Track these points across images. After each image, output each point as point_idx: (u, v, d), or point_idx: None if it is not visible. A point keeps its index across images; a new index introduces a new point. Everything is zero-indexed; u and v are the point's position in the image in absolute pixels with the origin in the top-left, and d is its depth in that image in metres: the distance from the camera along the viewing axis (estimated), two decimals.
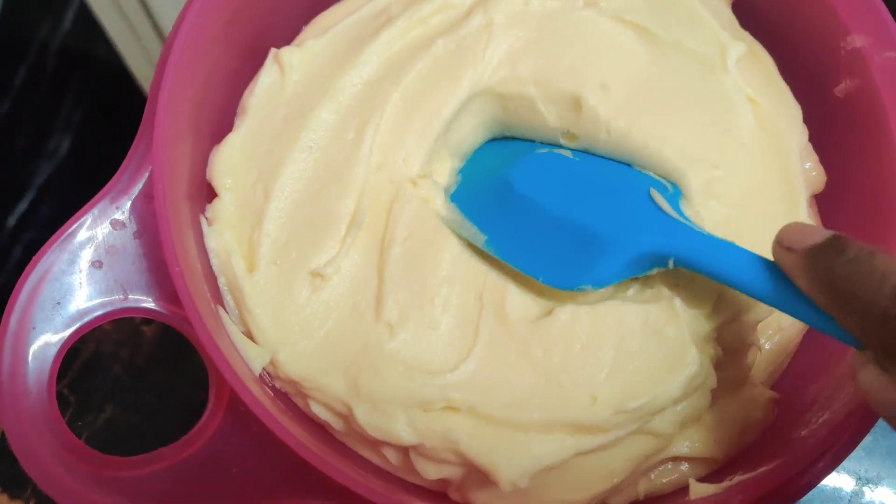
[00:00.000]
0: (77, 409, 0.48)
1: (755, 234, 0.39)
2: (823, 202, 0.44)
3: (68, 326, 0.34)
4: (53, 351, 0.34)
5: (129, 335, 0.49)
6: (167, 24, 0.83)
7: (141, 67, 0.92)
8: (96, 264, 0.35)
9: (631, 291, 0.38)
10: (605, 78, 0.40)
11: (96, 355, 0.49)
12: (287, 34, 0.45)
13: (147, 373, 0.49)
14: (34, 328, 0.34)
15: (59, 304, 0.34)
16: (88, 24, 0.93)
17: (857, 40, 0.40)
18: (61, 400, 0.48)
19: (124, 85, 0.95)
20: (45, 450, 0.33)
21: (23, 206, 1.09)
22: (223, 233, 0.38)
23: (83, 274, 0.35)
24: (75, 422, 0.48)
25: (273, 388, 0.38)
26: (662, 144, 0.39)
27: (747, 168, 0.40)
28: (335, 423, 0.37)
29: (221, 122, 0.41)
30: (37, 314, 0.34)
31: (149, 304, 0.35)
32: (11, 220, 1.08)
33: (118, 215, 0.36)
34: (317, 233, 0.39)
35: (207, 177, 0.40)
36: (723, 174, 0.39)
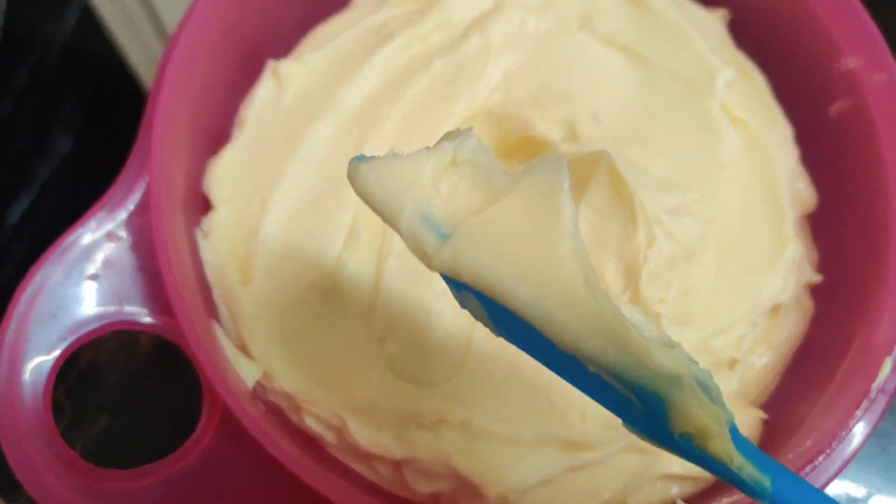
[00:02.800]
0: (73, 417, 0.48)
1: (737, 248, 0.40)
2: (817, 221, 0.44)
3: (64, 339, 0.34)
4: (49, 363, 0.34)
5: (126, 344, 0.49)
6: (171, 25, 0.83)
7: (144, 68, 0.92)
8: (92, 276, 0.35)
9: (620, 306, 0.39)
10: (595, 106, 0.41)
11: (93, 364, 0.49)
12: (285, 44, 0.45)
13: (142, 382, 0.50)
14: (30, 340, 0.34)
15: (55, 316, 0.34)
16: (91, 24, 0.93)
17: (851, 62, 0.41)
18: (57, 408, 0.48)
19: (127, 85, 0.95)
20: (40, 460, 0.33)
21: (23, 204, 1.09)
22: (219, 245, 0.39)
23: (79, 286, 0.35)
24: (71, 430, 0.48)
25: (266, 401, 0.38)
26: (642, 174, 0.39)
27: (725, 189, 0.41)
28: (328, 437, 0.38)
29: (218, 134, 0.42)
30: (33, 326, 0.34)
31: (144, 316, 0.36)
32: (13, 219, 1.08)
33: (114, 227, 0.36)
34: (313, 245, 0.39)
35: (204, 188, 0.40)
36: (697, 196, 0.40)
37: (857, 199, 0.42)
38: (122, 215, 0.36)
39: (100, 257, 0.36)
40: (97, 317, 0.35)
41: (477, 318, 0.26)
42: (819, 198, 0.43)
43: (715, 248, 0.39)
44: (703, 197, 0.40)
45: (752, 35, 0.45)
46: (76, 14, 1.10)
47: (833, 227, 0.43)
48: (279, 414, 0.38)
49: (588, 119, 0.41)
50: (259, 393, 0.38)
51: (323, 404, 0.37)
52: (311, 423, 0.37)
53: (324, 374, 0.37)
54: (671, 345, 0.25)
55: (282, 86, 0.42)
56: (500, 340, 0.37)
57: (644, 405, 0.23)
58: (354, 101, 0.41)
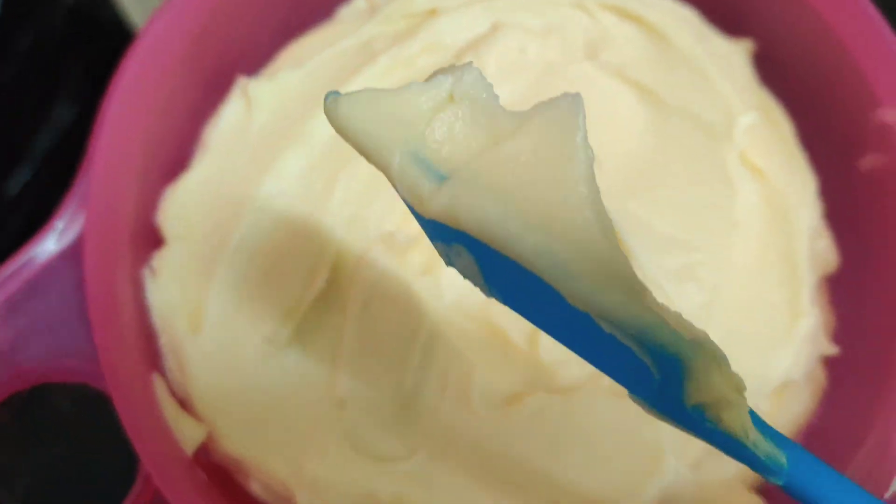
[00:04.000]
0: (21, 444, 0.45)
1: (744, 320, 0.36)
2: (837, 284, 0.39)
3: None
4: None
5: None
6: None
7: None
8: (23, 321, 0.32)
9: (608, 381, 0.35)
10: (599, 150, 0.36)
11: (43, 384, 0.46)
12: (260, 58, 0.41)
13: (97, 406, 0.46)
14: None
15: None
16: None
17: (889, 115, 0.36)
18: (5, 432, 0.45)
19: None
20: None
21: (24, 176, 1.06)
22: (168, 287, 0.35)
23: (7, 333, 0.32)
24: (18, 458, 0.45)
25: (211, 463, 0.34)
26: (645, 231, 0.35)
27: (736, 250, 0.36)
28: None
29: (179, 158, 0.38)
30: None
31: (80, 369, 0.32)
32: (12, 191, 1.06)
33: (49, 264, 0.33)
34: (272, 293, 0.35)
35: (156, 221, 0.36)
36: (704, 257, 0.36)
37: (882, 266, 0.37)
38: (60, 248, 0.33)
39: (29, 300, 0.32)
40: (22, 369, 0.31)
41: (466, 276, 0.23)
42: (841, 258, 0.39)
43: (720, 320, 0.35)
44: (711, 259, 0.36)
45: (778, 71, 0.41)
46: None
47: (854, 294, 0.39)
48: (225, 477, 0.35)
49: None
50: (203, 454, 0.34)
51: (270, 472, 0.33)
52: (259, 491, 0.34)
53: (275, 440, 0.34)
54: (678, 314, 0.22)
55: (251, 108, 0.38)
56: (471, 412, 0.33)
57: (661, 371, 0.21)
58: (329, 130, 0.37)
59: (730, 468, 0.35)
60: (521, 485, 0.32)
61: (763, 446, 0.22)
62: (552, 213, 0.19)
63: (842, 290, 0.39)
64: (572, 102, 0.20)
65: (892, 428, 0.33)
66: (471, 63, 0.22)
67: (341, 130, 0.22)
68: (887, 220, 0.37)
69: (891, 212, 0.37)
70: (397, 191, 0.22)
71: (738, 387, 0.21)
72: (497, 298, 0.23)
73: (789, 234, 0.37)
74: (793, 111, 0.40)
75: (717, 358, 0.20)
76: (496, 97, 0.22)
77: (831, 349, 0.38)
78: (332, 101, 0.22)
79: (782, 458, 0.22)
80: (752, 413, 0.22)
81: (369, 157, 0.22)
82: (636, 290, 0.20)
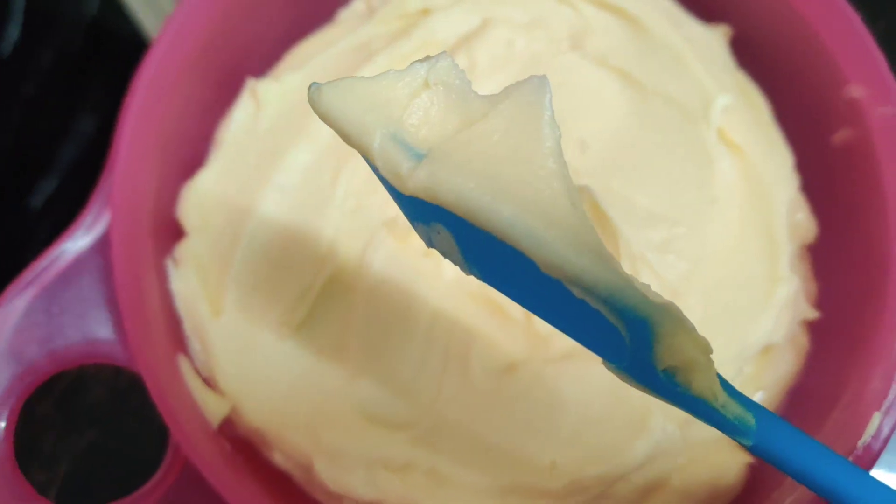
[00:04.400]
0: (61, 430, 0.48)
1: (726, 288, 0.38)
2: (817, 253, 0.42)
3: (24, 377, 0.34)
4: (8, 404, 0.33)
5: None
6: None
7: None
8: (59, 308, 0.35)
9: None
10: (584, 133, 0.39)
11: (80, 376, 0.49)
12: (268, 60, 0.43)
13: (131, 393, 0.49)
14: None
15: (20, 352, 0.34)
16: (115, 4, 0.93)
17: (855, 91, 0.38)
18: (47, 420, 0.48)
19: None
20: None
21: (49, 188, 1.09)
22: (190, 275, 0.38)
23: (43, 320, 0.35)
24: (59, 444, 0.48)
25: (236, 436, 0.37)
26: (628, 207, 0.38)
27: (716, 224, 0.39)
28: (298, 474, 0.37)
29: (195, 156, 0.41)
30: None
31: (111, 352, 0.35)
32: (37, 203, 1.08)
33: (82, 257, 0.35)
34: (285, 278, 0.38)
35: (176, 215, 0.39)
36: (684, 231, 0.38)
37: (857, 234, 0.39)
38: (89, 243, 0.36)
39: (65, 289, 0.35)
40: (62, 353, 0.34)
41: (446, 254, 0.25)
42: (819, 228, 0.41)
43: (701, 289, 0.37)
44: (692, 232, 0.38)
45: (754, 54, 0.43)
46: None
47: (832, 261, 0.41)
48: (249, 449, 0.38)
49: (575, 146, 0.39)
50: (228, 428, 0.37)
51: (290, 443, 0.36)
52: (280, 461, 0.37)
53: (293, 413, 0.36)
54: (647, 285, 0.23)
55: (260, 107, 0.40)
56: (473, 381, 0.36)
57: (631, 335, 0.22)
58: None
59: None
60: (520, 447, 0.35)
61: (732, 408, 0.23)
62: (523, 186, 0.21)
63: (822, 258, 0.42)
64: (539, 84, 0.22)
65: (865, 384, 0.35)
66: (444, 52, 0.23)
67: (324, 116, 0.23)
68: (861, 190, 0.39)
69: (863, 182, 0.39)
70: (378, 172, 0.23)
71: (705, 349, 0.22)
72: (475, 275, 0.25)
73: (767, 206, 0.40)
74: (769, 91, 0.42)
75: (684, 322, 0.22)
76: (468, 82, 0.23)
77: (812, 313, 0.40)
78: (314, 91, 0.23)
79: (750, 419, 0.24)
80: (720, 377, 0.23)
81: (351, 141, 0.23)
82: (603, 255, 0.21)
